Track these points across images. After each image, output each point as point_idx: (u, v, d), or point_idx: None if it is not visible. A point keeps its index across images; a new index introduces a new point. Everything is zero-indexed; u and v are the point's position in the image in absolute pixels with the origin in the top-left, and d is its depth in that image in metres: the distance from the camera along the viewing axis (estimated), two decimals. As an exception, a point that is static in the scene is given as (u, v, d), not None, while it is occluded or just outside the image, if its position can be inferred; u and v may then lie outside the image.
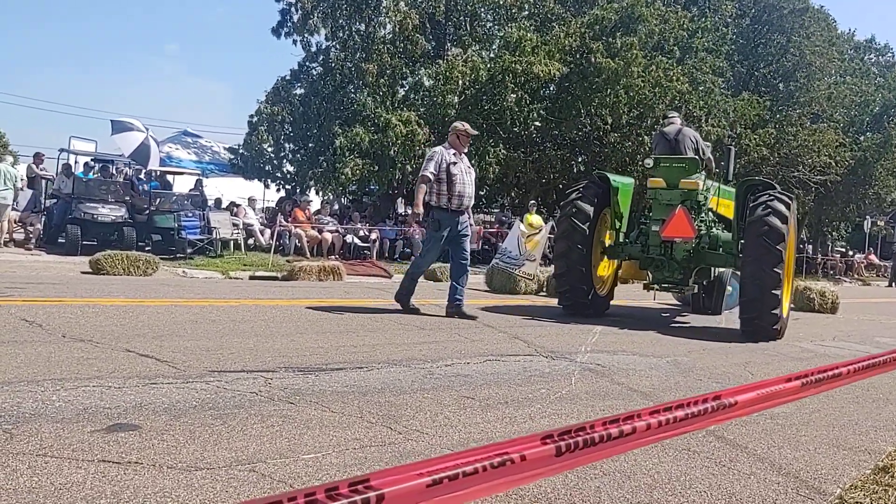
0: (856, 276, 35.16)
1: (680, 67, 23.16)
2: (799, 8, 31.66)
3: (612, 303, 10.11)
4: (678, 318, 10.44)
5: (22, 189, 15.88)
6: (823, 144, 28.36)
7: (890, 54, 47.47)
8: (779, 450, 3.77)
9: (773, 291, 7.98)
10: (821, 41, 32.03)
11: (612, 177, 9.53)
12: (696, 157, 9.27)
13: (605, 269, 10.03)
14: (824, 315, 12.78)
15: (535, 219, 17.70)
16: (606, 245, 9.61)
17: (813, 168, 29.05)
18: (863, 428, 4.40)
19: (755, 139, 25.59)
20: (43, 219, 15.51)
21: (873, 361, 2.57)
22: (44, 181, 17.20)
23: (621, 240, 9.55)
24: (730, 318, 9.82)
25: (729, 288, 10.71)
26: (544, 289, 13.10)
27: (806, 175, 29.16)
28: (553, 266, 10.45)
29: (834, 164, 29.17)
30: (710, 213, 9.66)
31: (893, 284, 31.67)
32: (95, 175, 16.98)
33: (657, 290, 9.90)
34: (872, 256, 38.92)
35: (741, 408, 1.97)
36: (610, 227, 9.58)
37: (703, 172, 9.45)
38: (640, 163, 22.41)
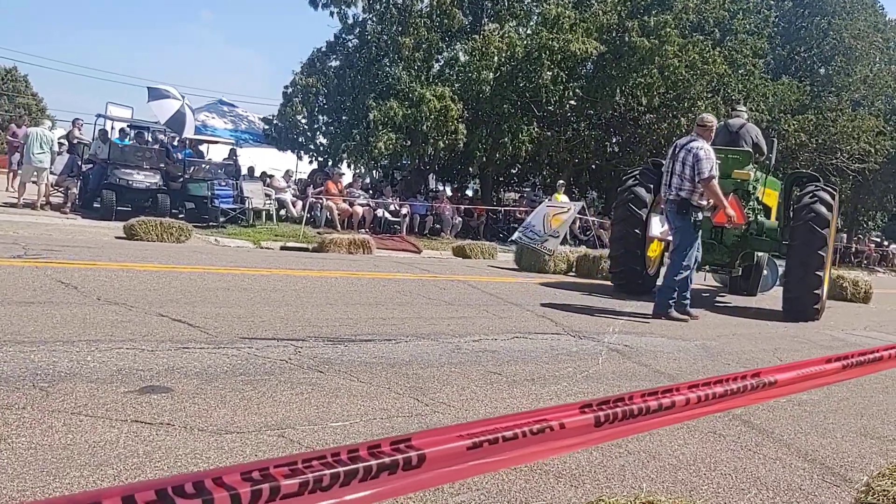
0: (890, 266, 34.53)
1: (719, 49, 22.75)
2: (843, -10, 30.91)
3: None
4: (716, 299, 10.85)
5: (60, 153, 16.11)
6: (863, 132, 27.75)
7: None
8: (805, 436, 3.75)
9: (816, 273, 8.64)
10: (864, 25, 31.24)
11: None
12: (750, 150, 9.71)
13: (654, 250, 10.51)
14: (856, 304, 12.60)
15: (563, 198, 17.62)
16: None
17: (851, 156, 28.48)
18: (892, 417, 4.35)
19: (794, 125, 25.12)
20: (79, 183, 15.73)
21: None
22: (82, 146, 17.43)
23: None
24: (762, 299, 10.86)
25: (765, 271, 11.62)
26: (573, 268, 13.05)
27: (844, 162, 28.61)
28: (609, 248, 11.00)
29: (873, 151, 28.54)
30: (757, 202, 10.13)
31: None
32: (131, 141, 17.15)
33: (707, 271, 10.66)
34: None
35: (781, 386, 1.94)
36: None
37: (755, 165, 9.90)
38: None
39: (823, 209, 8.72)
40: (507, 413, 3.59)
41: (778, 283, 11.82)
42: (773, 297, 10.94)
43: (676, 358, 5.57)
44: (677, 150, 7.83)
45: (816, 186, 9.16)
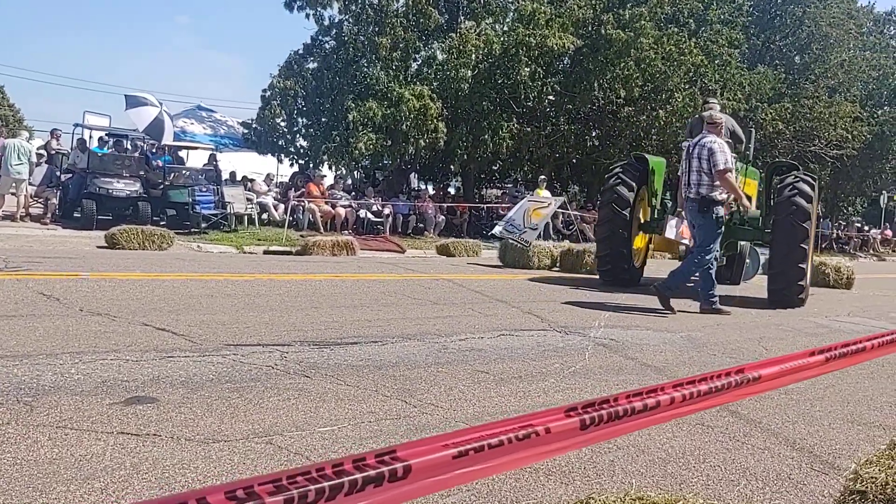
0: (871, 251, 34.88)
1: (694, 40, 22.87)
2: (816, -22, 31.17)
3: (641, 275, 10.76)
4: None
5: (39, 164, 15.95)
6: (840, 118, 28.00)
7: (910, 28, 46.63)
8: (793, 425, 3.77)
9: (799, 265, 8.81)
10: (838, 12, 31.51)
11: (649, 158, 10.43)
12: (730, 140, 9.78)
13: (639, 241, 10.71)
14: (839, 290, 12.71)
15: (545, 193, 17.70)
16: (642, 221, 10.41)
17: (829, 142, 28.72)
18: (877, 403, 4.39)
19: (771, 113, 25.30)
20: (59, 193, 15.59)
21: None
22: (60, 156, 17.27)
23: (657, 216, 10.30)
24: (746, 287, 11.23)
25: (747, 261, 11.94)
26: (557, 263, 13.09)
27: (822, 149, 28.84)
28: (595, 240, 11.31)
29: (850, 138, 28.79)
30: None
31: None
32: (110, 150, 17.00)
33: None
34: (888, 232, 38.55)
35: (765, 381, 1.95)
36: (647, 203, 10.39)
37: (734, 155, 9.97)
38: (654, 137, 22.29)
39: (804, 202, 8.86)
40: (495, 411, 3.60)
41: (760, 271, 12.14)
42: (756, 286, 11.11)
43: (662, 350, 5.59)
44: (691, 149, 7.96)
45: (796, 177, 9.27)
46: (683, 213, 8.39)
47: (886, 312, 9.32)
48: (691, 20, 24.06)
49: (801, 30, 30.34)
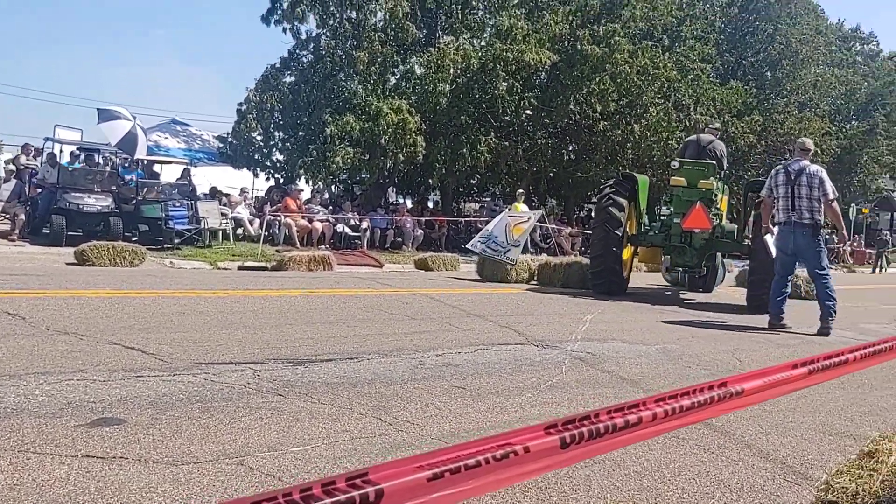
0: (841, 263, 35.31)
1: (668, 55, 23.13)
2: (786, -4, 31.69)
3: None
4: (679, 298, 11.70)
5: (7, 179, 15.72)
6: (810, 132, 28.36)
7: (874, 43, 47.59)
8: (766, 436, 3.78)
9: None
10: (808, 30, 32.05)
11: (637, 176, 11.40)
12: (714, 163, 10.93)
13: (626, 253, 11.40)
14: (811, 302, 12.80)
15: (522, 207, 17.74)
16: (629, 234, 11.21)
17: (801, 156, 29.08)
18: (848, 413, 4.42)
19: (742, 126, 25.60)
20: (27, 209, 15.35)
21: (879, 347, 2.53)
22: (28, 171, 17.03)
23: (643, 229, 11.34)
24: (717, 294, 12.49)
25: (720, 270, 12.91)
26: (535, 277, 13.10)
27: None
28: (590, 250, 12.08)
29: (820, 152, 29.17)
30: (719, 208, 11.31)
31: (878, 271, 31.83)
32: (81, 164, 16.80)
33: (680, 272, 11.87)
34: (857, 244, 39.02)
35: (748, 395, 1.93)
36: (634, 218, 11.28)
37: (716, 176, 11.04)
38: (630, 151, 22.48)
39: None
40: (472, 428, 3.57)
41: (724, 280, 13.43)
42: (725, 294, 11.94)
43: (638, 363, 5.59)
44: (793, 175, 8.20)
45: None
46: (773, 233, 8.64)
47: (856, 323, 9.41)
48: (665, 36, 24.33)
49: (772, 46, 30.78)
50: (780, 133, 27.97)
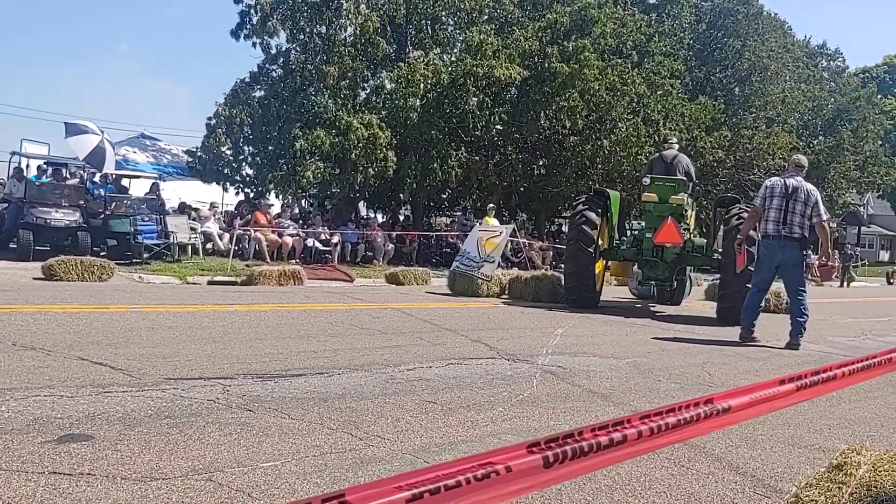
0: (809, 276, 35.86)
1: (637, 71, 23.43)
2: (753, 13, 32.28)
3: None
4: (649, 311, 11.81)
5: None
6: (778, 147, 28.88)
7: (840, 59, 48.74)
8: (736, 449, 3.82)
9: (747, 285, 9.37)
10: (776, 46, 32.67)
11: (609, 192, 11.65)
12: (684, 179, 11.24)
13: (598, 267, 11.61)
14: (779, 315, 12.98)
15: (493, 221, 17.82)
16: (602, 248, 11.46)
17: (768, 171, 29.53)
18: (817, 426, 4.48)
19: (710, 142, 25.99)
20: (-6, 224, 15.10)
21: (868, 363, 2.53)
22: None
23: (614, 244, 11.66)
24: (689, 307, 12.72)
25: (687, 283, 13.27)
26: (506, 291, 13.14)
27: (761, 178, 29.63)
28: (564, 265, 12.20)
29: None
30: (688, 223, 11.59)
31: (845, 285, 32.39)
32: (48, 179, 16.57)
33: (654, 285, 12.14)
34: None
35: (735, 412, 1.92)
36: (606, 232, 11.55)
37: (686, 192, 11.33)
38: (599, 166, 22.70)
39: None
40: (443, 442, 3.56)
41: (689, 293, 13.74)
42: (694, 307, 11.97)
43: (609, 377, 5.62)
44: (789, 190, 8.31)
45: (740, 208, 10.70)
46: (760, 245, 8.75)
47: (825, 336, 9.56)
48: (634, 52, 24.65)
49: (740, 62, 31.33)
50: (748, 148, 28.43)
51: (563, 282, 11.76)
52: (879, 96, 47.85)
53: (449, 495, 1.27)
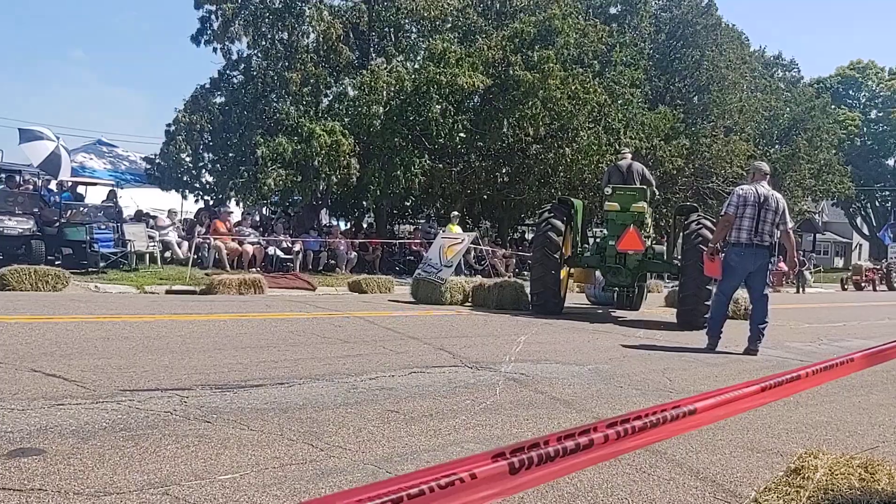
0: (767, 283, 36.49)
1: (599, 80, 23.67)
2: (711, 24, 32.86)
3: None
4: (611, 317, 11.98)
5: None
6: (735, 156, 29.40)
7: (796, 69, 49.80)
8: (696, 454, 3.85)
9: (707, 287, 10.14)
10: (733, 57, 33.29)
11: (573, 201, 11.93)
12: (644, 187, 11.59)
13: (563, 273, 11.85)
14: (737, 321, 13.16)
15: (457, 229, 17.85)
16: (566, 256, 11.65)
17: (726, 179, 30.08)
18: (775, 431, 4.53)
19: (670, 150, 26.35)
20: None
21: (830, 364, 2.58)
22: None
23: (578, 251, 11.92)
24: (650, 313, 13.02)
25: (646, 290, 13.67)
26: (469, 298, 13.14)
27: (719, 186, 30.17)
28: (530, 272, 12.35)
29: (746, 174, 30.21)
30: (648, 231, 11.97)
31: (801, 291, 33.00)
32: (1, 186, 16.19)
33: (616, 291, 12.33)
34: (782, 264, 40.43)
35: (701, 413, 1.92)
36: (570, 240, 11.80)
37: (646, 200, 11.62)
38: (561, 174, 22.87)
39: (708, 233, 10.40)
40: (405, 452, 3.53)
41: (646, 298, 14.01)
42: (655, 313, 12.06)
43: (571, 383, 5.64)
44: (762, 198, 8.34)
45: (699, 216, 11.16)
46: (728, 252, 8.67)
47: (782, 342, 9.71)
48: (596, 62, 24.90)
49: (699, 72, 31.84)
50: (706, 156, 28.90)
51: (529, 288, 11.94)
52: (833, 106, 49.10)
53: None
